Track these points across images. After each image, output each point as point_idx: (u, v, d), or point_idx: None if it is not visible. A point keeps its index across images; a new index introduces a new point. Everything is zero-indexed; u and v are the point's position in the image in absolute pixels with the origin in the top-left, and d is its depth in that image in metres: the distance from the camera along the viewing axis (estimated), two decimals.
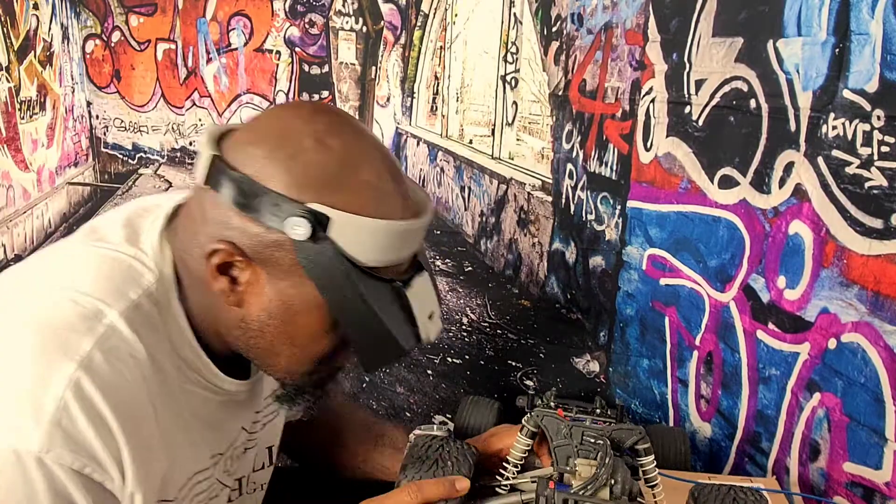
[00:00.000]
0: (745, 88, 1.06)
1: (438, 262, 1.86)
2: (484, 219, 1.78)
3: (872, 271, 0.89)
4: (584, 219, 1.50)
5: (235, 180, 0.63)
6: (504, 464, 0.81)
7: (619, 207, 1.39)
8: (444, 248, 1.86)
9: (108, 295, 0.65)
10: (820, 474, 0.99)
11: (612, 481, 0.70)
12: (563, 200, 1.57)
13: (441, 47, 1.80)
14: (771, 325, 1.06)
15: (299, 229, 0.61)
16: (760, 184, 1.06)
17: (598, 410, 0.84)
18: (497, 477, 0.81)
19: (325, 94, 1.81)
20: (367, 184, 0.64)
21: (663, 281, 1.28)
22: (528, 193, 1.67)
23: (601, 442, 0.74)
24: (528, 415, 0.81)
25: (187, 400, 0.71)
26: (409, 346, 0.68)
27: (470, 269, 1.83)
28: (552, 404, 0.85)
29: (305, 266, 0.64)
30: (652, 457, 0.77)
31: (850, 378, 0.93)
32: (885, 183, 0.86)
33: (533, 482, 0.78)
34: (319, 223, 0.61)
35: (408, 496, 0.71)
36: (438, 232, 1.84)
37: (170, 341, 0.69)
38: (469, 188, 1.80)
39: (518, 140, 1.82)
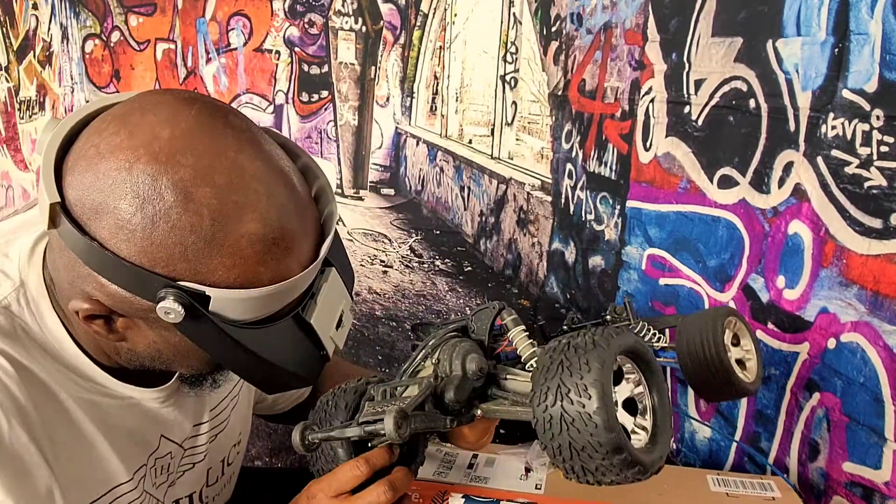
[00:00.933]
0: (745, 88, 1.06)
1: (438, 262, 1.85)
2: (483, 219, 1.78)
3: (872, 271, 0.89)
4: (583, 219, 1.50)
5: (86, 247, 0.53)
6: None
7: (618, 207, 1.39)
8: (443, 248, 1.86)
9: None
10: (819, 474, 0.99)
11: (435, 360, 0.66)
12: (563, 200, 1.57)
13: (441, 47, 1.80)
14: (770, 325, 1.06)
15: (171, 315, 0.54)
16: (760, 184, 1.06)
17: (608, 318, 0.79)
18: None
19: (325, 93, 1.81)
20: (248, 242, 0.54)
21: (663, 281, 1.28)
22: (528, 193, 1.67)
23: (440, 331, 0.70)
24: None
25: (87, 410, 0.65)
26: (312, 374, 0.64)
27: (469, 269, 1.82)
28: (564, 327, 0.81)
29: (183, 332, 0.57)
30: (519, 328, 0.69)
31: (850, 378, 0.93)
32: (884, 183, 0.86)
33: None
34: (196, 301, 0.54)
35: (382, 497, 0.68)
36: (438, 232, 1.84)
37: (47, 351, 0.63)
38: (468, 188, 1.80)
39: (517, 140, 1.82)
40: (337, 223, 0.64)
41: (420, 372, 0.71)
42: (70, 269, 0.57)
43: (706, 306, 1.19)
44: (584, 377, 0.53)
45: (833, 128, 0.93)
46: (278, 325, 0.60)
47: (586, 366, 0.53)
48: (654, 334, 0.86)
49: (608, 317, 0.82)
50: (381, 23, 1.80)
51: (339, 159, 1.91)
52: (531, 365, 0.67)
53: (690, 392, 1.25)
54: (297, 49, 1.83)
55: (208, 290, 0.54)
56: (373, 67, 1.84)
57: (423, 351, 0.70)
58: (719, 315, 0.82)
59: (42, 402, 0.62)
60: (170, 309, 0.54)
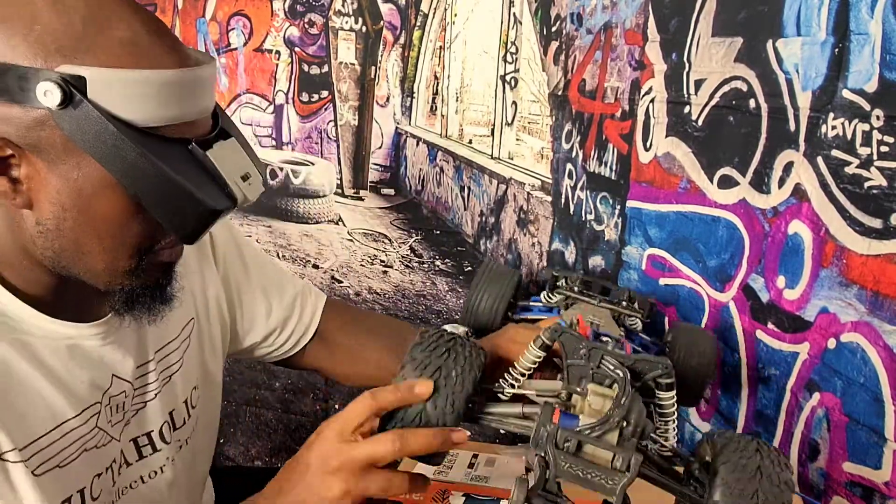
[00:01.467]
0: (745, 88, 1.06)
1: (438, 263, 1.85)
2: (483, 219, 1.78)
3: (872, 271, 0.89)
4: (583, 219, 1.50)
5: None
6: (510, 368, 0.74)
7: (618, 207, 1.39)
8: (443, 248, 1.86)
9: None
10: (819, 474, 0.99)
11: (625, 423, 0.62)
12: (563, 200, 1.58)
13: (441, 47, 1.80)
14: (770, 325, 1.06)
15: (51, 96, 0.55)
16: (760, 184, 1.06)
17: (623, 303, 0.79)
18: (501, 381, 0.74)
19: (325, 93, 1.81)
20: (122, 39, 0.58)
21: (663, 281, 1.28)
22: (528, 193, 1.67)
23: (620, 373, 0.66)
24: (547, 329, 0.72)
25: (19, 351, 0.66)
26: (221, 206, 0.63)
27: (470, 269, 1.82)
28: (576, 288, 0.81)
29: (74, 138, 0.58)
30: (672, 393, 0.70)
31: (850, 378, 0.93)
32: (884, 183, 0.86)
33: (540, 397, 0.70)
34: (73, 87, 0.56)
35: (387, 444, 0.63)
36: (438, 232, 1.84)
37: None
38: (468, 188, 1.80)
39: (517, 140, 1.82)
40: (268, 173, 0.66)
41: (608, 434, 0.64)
42: None
43: (706, 306, 1.19)
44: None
45: (833, 128, 0.93)
46: (178, 145, 0.61)
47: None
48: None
49: (623, 301, 0.83)
50: (382, 23, 1.80)
51: (339, 159, 1.91)
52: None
53: None
54: (297, 49, 1.83)
55: (83, 70, 0.56)
56: (373, 67, 1.84)
57: (618, 413, 0.63)
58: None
59: None
60: (48, 89, 0.56)
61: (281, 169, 1.92)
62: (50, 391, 0.68)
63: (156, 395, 0.81)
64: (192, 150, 0.62)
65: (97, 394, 0.73)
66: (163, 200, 0.61)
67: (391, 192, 1.91)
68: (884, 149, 0.86)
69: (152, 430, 0.81)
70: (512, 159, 1.82)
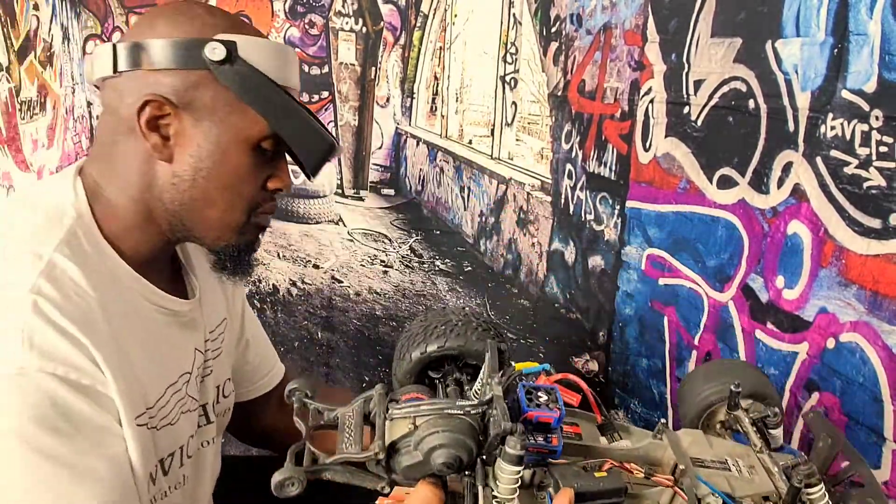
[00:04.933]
0: (744, 89, 1.07)
1: (438, 263, 1.86)
2: (483, 219, 1.78)
3: (871, 271, 0.89)
4: (583, 219, 1.50)
5: (139, 46, 0.73)
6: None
7: (618, 207, 1.39)
8: (443, 248, 1.86)
9: (39, 239, 0.72)
10: None
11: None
12: (563, 200, 1.58)
13: (441, 48, 1.80)
14: (770, 325, 1.06)
15: (217, 51, 0.72)
16: (759, 184, 1.06)
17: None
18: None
19: (325, 94, 1.81)
20: (253, 30, 0.78)
21: (662, 281, 1.29)
22: (528, 193, 1.67)
23: None
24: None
25: (139, 321, 0.76)
26: (332, 141, 0.78)
27: (469, 269, 1.83)
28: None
29: (233, 88, 0.74)
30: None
31: (849, 377, 0.93)
32: (883, 183, 0.86)
33: None
34: (229, 49, 0.73)
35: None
36: (438, 232, 1.84)
37: (105, 269, 0.75)
38: (468, 188, 1.80)
39: (517, 140, 1.82)
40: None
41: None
42: (129, 94, 0.74)
43: (706, 306, 1.19)
44: None
45: (832, 128, 0.93)
46: (295, 102, 0.77)
47: None
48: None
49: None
50: (382, 23, 1.80)
51: (339, 159, 1.91)
52: None
53: None
54: (297, 49, 1.83)
55: (236, 37, 0.74)
56: (373, 68, 1.84)
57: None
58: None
59: (110, 310, 0.72)
60: (215, 47, 0.73)
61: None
62: (167, 352, 0.80)
63: (211, 371, 0.92)
64: (305, 108, 0.78)
65: (188, 363, 0.84)
66: (298, 136, 0.77)
67: (391, 192, 1.91)
68: (883, 149, 0.86)
69: (207, 403, 0.91)
70: (512, 159, 1.82)
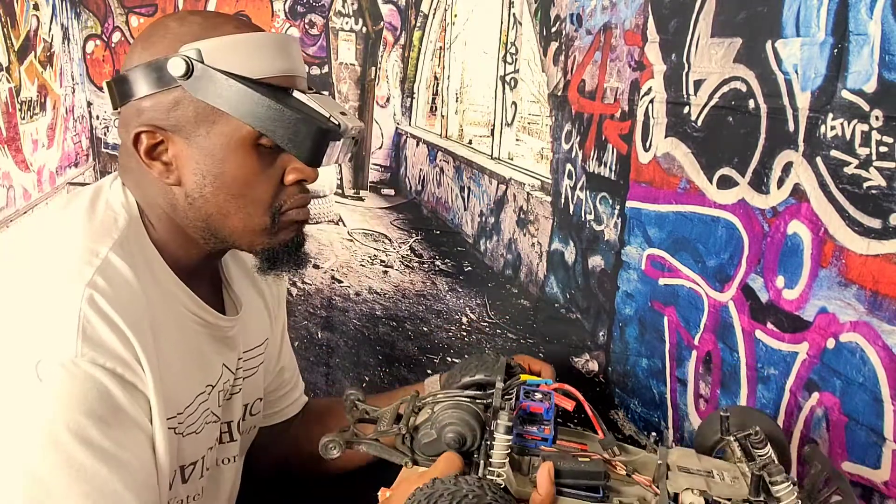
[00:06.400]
0: (744, 89, 1.07)
1: (438, 262, 1.86)
2: (483, 219, 1.78)
3: (871, 271, 0.89)
4: (583, 219, 1.50)
5: (123, 79, 0.74)
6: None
7: (618, 207, 1.39)
8: (443, 248, 1.86)
9: (96, 237, 0.74)
10: None
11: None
12: (563, 200, 1.58)
13: (441, 48, 1.80)
14: (769, 325, 1.06)
15: (177, 66, 0.71)
16: (759, 184, 1.06)
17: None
18: None
19: (325, 94, 1.81)
20: (230, 28, 0.75)
21: (662, 281, 1.29)
22: (528, 193, 1.67)
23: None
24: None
25: (176, 328, 0.78)
26: (326, 126, 0.75)
27: (469, 269, 1.83)
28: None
29: (207, 98, 0.72)
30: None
31: (849, 378, 0.93)
32: (883, 183, 0.86)
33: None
34: (192, 57, 0.72)
35: None
36: (438, 232, 1.84)
37: (151, 273, 0.77)
38: (468, 188, 1.80)
39: (517, 140, 1.82)
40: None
41: None
42: (128, 126, 0.75)
43: (705, 306, 1.19)
44: None
45: (832, 128, 0.93)
46: (284, 92, 0.75)
47: None
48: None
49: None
50: (382, 23, 1.80)
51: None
52: None
53: (690, 392, 1.25)
54: None
55: (199, 44, 0.72)
56: (373, 68, 1.84)
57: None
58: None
59: (152, 314, 0.75)
60: (175, 64, 0.71)
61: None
62: (197, 361, 0.81)
63: (240, 389, 0.92)
64: (295, 96, 0.76)
65: (214, 377, 0.85)
66: (281, 129, 0.73)
67: (391, 192, 1.91)
68: (883, 149, 0.86)
69: (233, 420, 0.92)
70: (512, 160, 1.82)
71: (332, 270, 1.96)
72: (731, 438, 0.78)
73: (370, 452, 0.76)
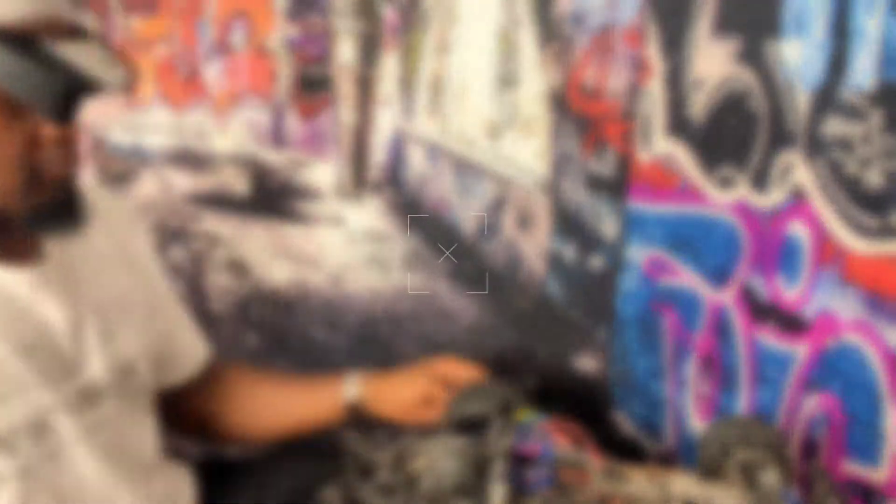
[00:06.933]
0: (744, 89, 1.07)
1: (438, 262, 1.86)
2: (483, 219, 1.78)
3: (871, 271, 0.89)
4: (583, 219, 1.50)
5: None
6: None
7: (618, 207, 1.39)
8: (443, 248, 1.86)
9: None
10: None
11: None
12: (563, 200, 1.58)
13: (441, 48, 1.80)
14: (770, 325, 1.06)
15: None
16: (759, 184, 1.06)
17: None
18: None
19: (325, 94, 1.81)
20: None
21: (662, 281, 1.28)
22: (528, 193, 1.67)
23: None
24: None
25: None
26: (113, 81, 0.70)
27: (469, 268, 1.82)
28: None
29: None
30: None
31: (849, 378, 0.93)
32: (884, 183, 0.86)
33: None
34: None
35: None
36: (438, 232, 1.84)
37: None
38: (468, 188, 1.80)
39: (517, 140, 1.82)
40: None
41: None
42: None
43: (706, 306, 1.19)
44: None
45: (833, 128, 0.93)
46: (26, 44, 0.67)
47: None
48: None
49: None
50: (382, 23, 1.80)
51: (339, 159, 1.92)
52: None
53: (690, 392, 1.25)
54: (297, 49, 1.83)
55: None
56: (373, 68, 1.84)
57: None
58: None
59: None
60: None
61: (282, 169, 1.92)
62: None
63: (93, 346, 0.86)
64: (51, 48, 0.68)
65: (28, 337, 0.78)
66: (23, 84, 0.65)
67: (391, 192, 1.91)
68: (883, 149, 0.86)
69: (85, 377, 0.85)
70: (512, 159, 1.82)
71: (333, 270, 1.96)
72: (732, 462, 0.78)
73: None
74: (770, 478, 0.75)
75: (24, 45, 0.66)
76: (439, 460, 0.72)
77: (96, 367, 0.86)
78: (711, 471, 0.84)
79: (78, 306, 0.84)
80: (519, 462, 0.74)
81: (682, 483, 0.77)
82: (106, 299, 0.89)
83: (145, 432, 0.95)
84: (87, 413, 0.85)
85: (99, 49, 0.72)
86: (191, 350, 1.08)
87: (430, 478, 0.72)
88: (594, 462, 0.78)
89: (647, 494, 0.75)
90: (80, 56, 0.69)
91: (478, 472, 0.72)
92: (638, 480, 0.77)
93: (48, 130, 0.72)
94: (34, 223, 0.77)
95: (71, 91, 0.68)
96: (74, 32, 0.72)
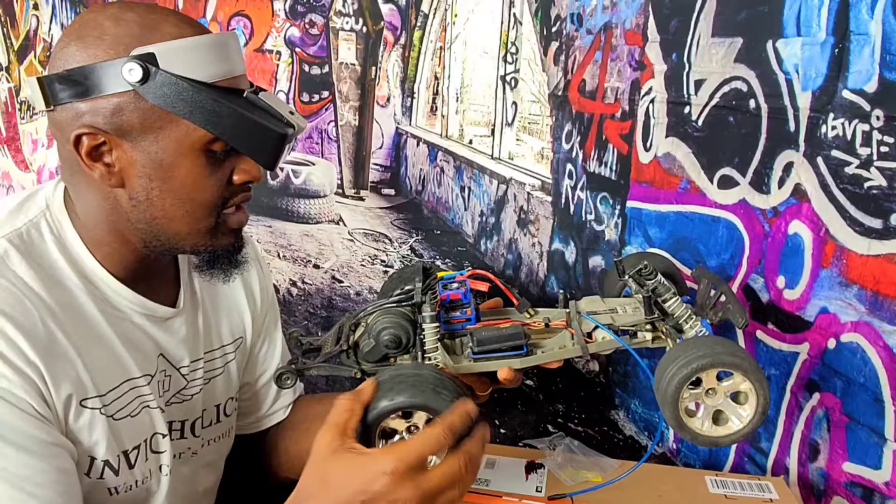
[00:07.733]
0: (745, 89, 1.07)
1: (438, 262, 1.85)
2: (484, 219, 1.78)
3: (872, 271, 0.89)
4: (583, 219, 1.50)
5: (63, 79, 0.71)
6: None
7: (618, 207, 1.39)
8: (444, 248, 1.86)
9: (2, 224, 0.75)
10: (819, 474, 0.99)
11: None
12: (563, 200, 1.58)
13: (441, 47, 1.80)
14: (770, 325, 1.06)
15: (133, 72, 0.69)
16: (760, 184, 1.06)
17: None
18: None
19: (326, 94, 1.81)
20: (171, 29, 0.73)
21: None
22: (528, 193, 1.67)
23: None
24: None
25: (102, 311, 0.78)
26: (284, 131, 0.75)
27: (470, 268, 1.82)
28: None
29: (159, 103, 0.70)
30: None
31: (850, 378, 0.93)
32: (884, 183, 0.86)
33: None
34: (147, 62, 0.70)
35: (441, 438, 0.66)
36: (438, 232, 1.84)
37: (70, 262, 0.77)
38: (469, 188, 1.80)
39: (518, 140, 1.82)
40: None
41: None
42: (65, 127, 0.72)
43: None
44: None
45: (833, 128, 0.93)
46: (236, 95, 0.75)
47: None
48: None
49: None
50: (382, 23, 1.80)
51: (339, 159, 1.91)
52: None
53: None
54: (297, 49, 1.83)
55: (151, 48, 0.70)
56: (373, 68, 1.84)
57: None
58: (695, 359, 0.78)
59: (65, 302, 0.75)
60: (132, 68, 0.69)
61: (282, 169, 1.92)
62: (122, 352, 0.80)
63: (200, 389, 0.92)
64: (247, 97, 0.76)
65: (153, 364, 0.84)
66: (239, 135, 0.73)
67: (391, 192, 1.91)
68: (884, 149, 0.86)
69: (187, 420, 0.91)
70: (512, 159, 1.82)
71: (333, 270, 1.96)
72: (627, 277, 0.87)
73: (322, 374, 0.83)
74: (655, 279, 0.84)
75: (235, 99, 0.74)
76: (375, 323, 0.80)
77: (196, 409, 0.92)
78: (613, 295, 0.94)
79: (196, 345, 0.90)
80: (447, 308, 0.84)
81: (588, 302, 0.88)
82: (215, 343, 0.94)
83: (211, 473, 0.98)
84: (179, 442, 0.90)
85: (279, 100, 0.80)
86: (284, 401, 1.07)
87: (368, 340, 0.81)
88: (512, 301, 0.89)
89: (560, 315, 0.86)
90: (276, 106, 0.76)
91: (413, 327, 0.80)
92: (549, 310, 0.88)
93: (241, 176, 0.78)
94: (205, 267, 0.83)
95: (280, 139, 0.74)
96: (251, 85, 0.80)
